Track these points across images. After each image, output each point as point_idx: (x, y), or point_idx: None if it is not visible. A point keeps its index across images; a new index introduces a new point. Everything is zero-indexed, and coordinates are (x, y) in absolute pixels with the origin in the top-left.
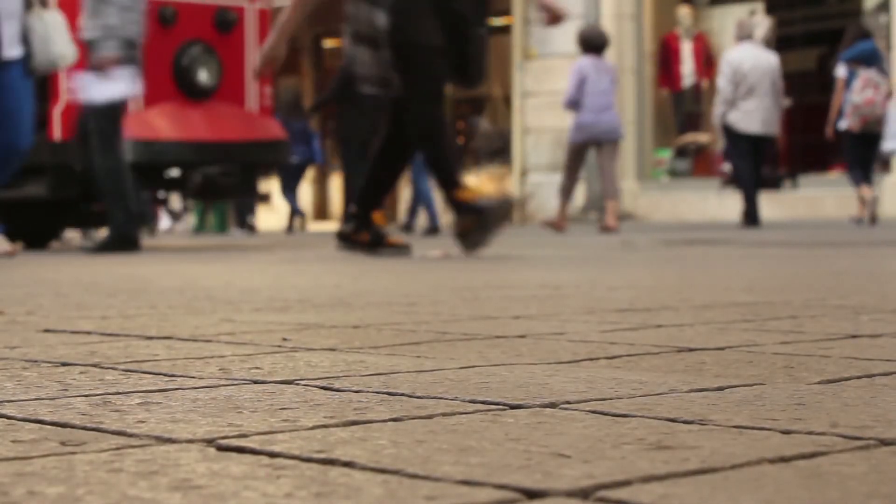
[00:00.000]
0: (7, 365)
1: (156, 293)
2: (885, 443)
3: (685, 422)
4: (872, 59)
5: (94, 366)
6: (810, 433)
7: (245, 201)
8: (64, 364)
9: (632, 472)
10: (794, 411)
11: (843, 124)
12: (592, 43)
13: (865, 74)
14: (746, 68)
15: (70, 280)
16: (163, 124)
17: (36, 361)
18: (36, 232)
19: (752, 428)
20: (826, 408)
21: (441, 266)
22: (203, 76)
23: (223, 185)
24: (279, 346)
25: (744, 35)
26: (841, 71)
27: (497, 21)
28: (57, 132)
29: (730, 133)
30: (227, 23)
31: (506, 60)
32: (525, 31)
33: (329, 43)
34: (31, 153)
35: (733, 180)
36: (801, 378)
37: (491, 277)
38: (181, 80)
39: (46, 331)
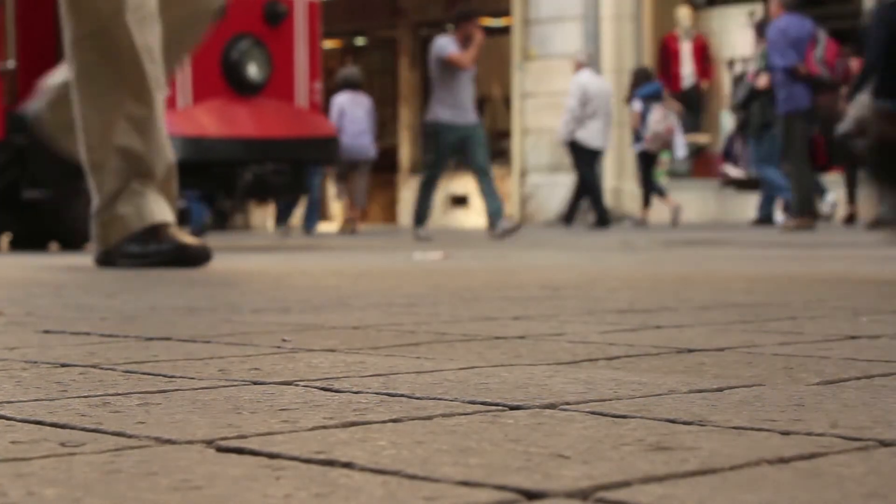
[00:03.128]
0: (6, 366)
1: (155, 293)
2: (884, 444)
3: (684, 423)
4: (660, 96)
5: (94, 367)
6: (809, 434)
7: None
8: (63, 365)
9: (631, 473)
10: (793, 412)
11: (639, 147)
12: (350, 81)
13: (659, 108)
14: (592, 91)
15: (69, 281)
16: (211, 121)
17: (35, 362)
18: (71, 233)
19: (752, 429)
20: (825, 409)
21: (441, 267)
22: (253, 71)
23: (274, 185)
24: (279, 347)
25: (586, 63)
26: (637, 105)
27: (496, 22)
28: None
29: (577, 148)
30: (277, 15)
31: (505, 61)
32: (524, 31)
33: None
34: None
35: (733, 181)
36: (800, 379)
37: (490, 278)
38: (230, 74)
39: (45, 332)
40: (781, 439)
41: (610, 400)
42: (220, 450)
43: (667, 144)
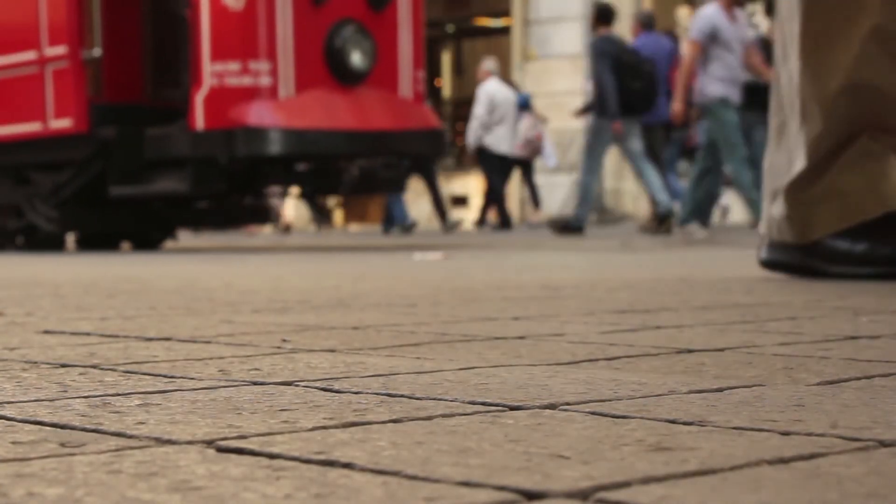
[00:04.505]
0: (6, 366)
1: (155, 294)
2: (884, 444)
3: (684, 423)
4: (528, 105)
5: (94, 367)
6: (809, 434)
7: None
8: (63, 365)
9: (631, 474)
10: (793, 412)
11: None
12: None
13: (529, 116)
14: (499, 99)
15: (69, 281)
16: (315, 112)
17: (35, 363)
18: (146, 231)
19: (752, 429)
20: (825, 409)
21: (440, 267)
22: (356, 58)
23: (383, 180)
24: (279, 348)
25: (493, 72)
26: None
27: (496, 22)
28: (199, 121)
29: (484, 153)
30: (381, 0)
31: (506, 61)
32: (524, 32)
33: None
34: (168, 144)
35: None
36: (800, 379)
37: (490, 278)
38: (333, 62)
39: (46, 332)
40: (781, 440)
41: (610, 400)
42: (220, 450)
43: (538, 151)
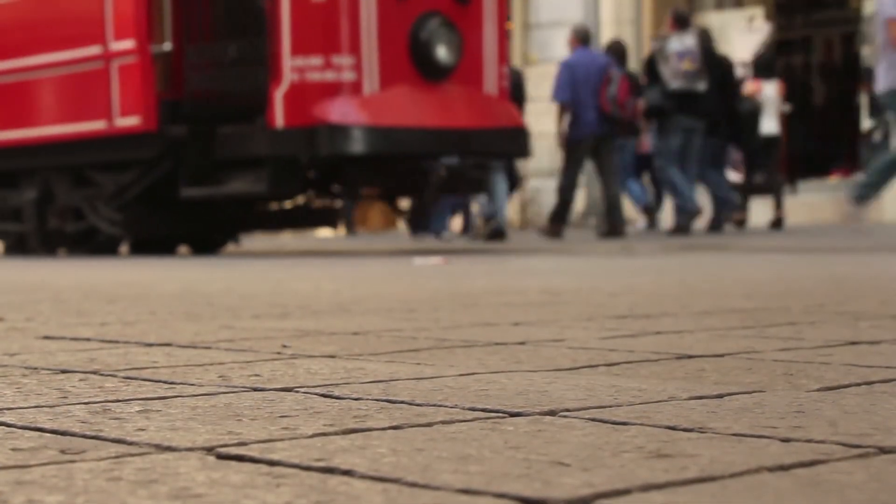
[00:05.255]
0: (6, 372)
1: (155, 299)
2: (884, 451)
3: (685, 430)
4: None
5: (94, 373)
6: (810, 441)
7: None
8: (63, 371)
9: (631, 481)
10: (793, 419)
11: None
12: None
13: None
14: None
15: (70, 286)
16: (401, 109)
17: (35, 368)
18: (207, 235)
19: (752, 436)
20: (825, 415)
21: (440, 273)
22: (442, 52)
23: (469, 181)
24: (279, 353)
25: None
26: None
27: None
28: (279, 118)
29: None
30: None
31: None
32: (524, 35)
33: None
34: (244, 143)
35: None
36: (800, 385)
37: (490, 284)
38: (418, 57)
39: (46, 337)
40: (782, 446)
41: (610, 407)
42: (221, 457)
43: None
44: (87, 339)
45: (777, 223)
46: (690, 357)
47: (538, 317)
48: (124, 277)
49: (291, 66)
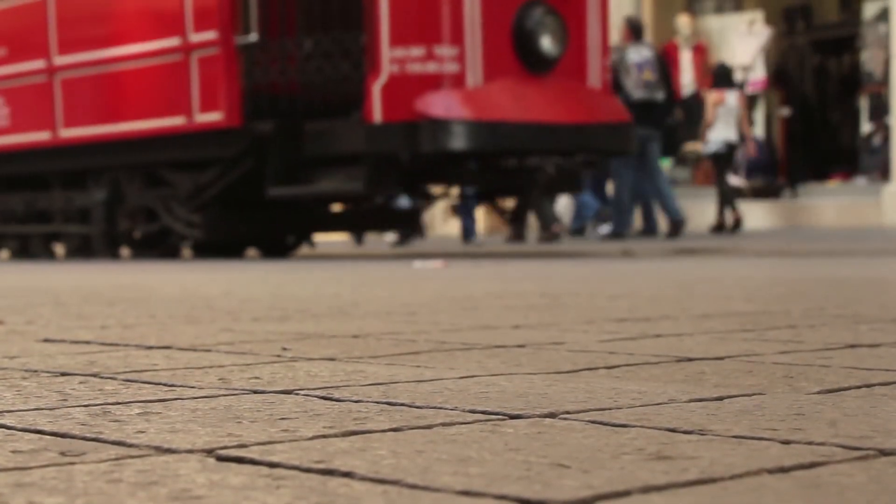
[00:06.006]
0: (6, 375)
1: (155, 303)
2: (884, 453)
3: (684, 432)
4: None
5: (94, 376)
6: (810, 443)
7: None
8: (63, 374)
9: (631, 483)
10: (793, 421)
11: None
12: None
13: None
14: None
15: (70, 289)
16: (506, 102)
17: (35, 371)
18: (277, 236)
19: (752, 438)
20: (825, 418)
21: (440, 276)
22: (547, 43)
23: (573, 180)
24: (279, 356)
25: None
26: None
27: None
28: (377, 113)
29: None
30: None
31: None
32: None
33: None
34: (336, 139)
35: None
36: (800, 388)
37: (490, 287)
38: (522, 47)
39: (46, 340)
40: (782, 448)
41: (610, 409)
42: (221, 459)
43: None
44: (87, 342)
45: (719, 228)
46: (690, 360)
47: (538, 320)
48: (124, 280)
49: (391, 56)
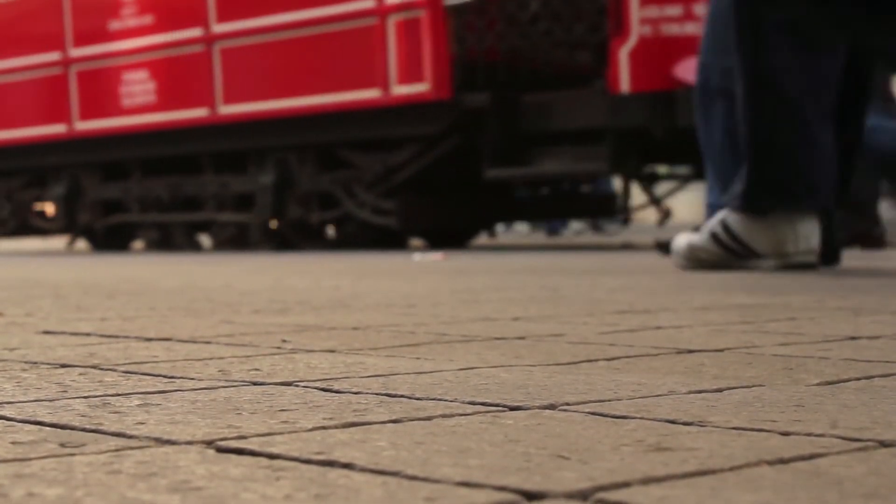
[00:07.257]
0: (6, 366)
1: (155, 295)
2: (884, 444)
3: (684, 423)
4: None
5: (94, 367)
6: (809, 435)
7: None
8: (63, 366)
9: (631, 474)
10: (793, 413)
11: None
12: None
13: None
14: None
15: (70, 281)
16: None
17: (35, 363)
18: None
19: (751, 429)
20: (825, 409)
21: (440, 268)
22: None
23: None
24: (278, 348)
25: None
26: None
27: None
28: (624, 82)
29: None
30: None
31: None
32: None
33: None
34: (579, 112)
35: None
36: (800, 380)
37: (490, 279)
38: None
39: (45, 332)
40: (781, 440)
41: (609, 400)
42: (220, 450)
43: None
44: (87, 334)
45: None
46: (690, 352)
47: (538, 312)
48: (124, 273)
49: (641, 17)
